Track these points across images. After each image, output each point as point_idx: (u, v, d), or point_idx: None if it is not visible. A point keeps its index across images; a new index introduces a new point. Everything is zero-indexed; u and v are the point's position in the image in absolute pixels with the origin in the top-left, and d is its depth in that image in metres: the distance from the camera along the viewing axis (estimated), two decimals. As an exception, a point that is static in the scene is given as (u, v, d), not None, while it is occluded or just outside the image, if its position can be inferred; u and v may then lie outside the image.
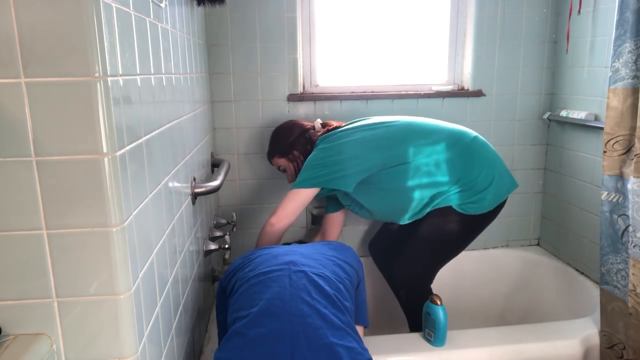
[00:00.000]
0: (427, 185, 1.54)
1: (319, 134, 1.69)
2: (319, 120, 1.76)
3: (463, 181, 1.53)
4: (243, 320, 1.03)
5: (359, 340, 1.05)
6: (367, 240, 2.15)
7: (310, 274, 1.13)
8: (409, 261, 1.65)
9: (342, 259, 1.27)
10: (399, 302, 1.76)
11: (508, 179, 1.62)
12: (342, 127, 1.67)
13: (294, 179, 1.71)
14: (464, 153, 1.56)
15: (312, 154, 1.62)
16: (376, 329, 2.09)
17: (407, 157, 1.54)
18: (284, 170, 1.78)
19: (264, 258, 1.23)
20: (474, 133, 1.63)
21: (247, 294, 1.12)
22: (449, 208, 1.54)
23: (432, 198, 1.55)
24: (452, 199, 1.53)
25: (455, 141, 1.57)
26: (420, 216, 1.58)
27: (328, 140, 1.61)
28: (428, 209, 1.56)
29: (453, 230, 1.58)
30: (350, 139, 1.58)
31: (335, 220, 1.90)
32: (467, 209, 1.54)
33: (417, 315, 1.55)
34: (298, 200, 1.58)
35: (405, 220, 1.61)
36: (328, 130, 1.68)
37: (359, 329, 1.26)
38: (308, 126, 1.74)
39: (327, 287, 1.11)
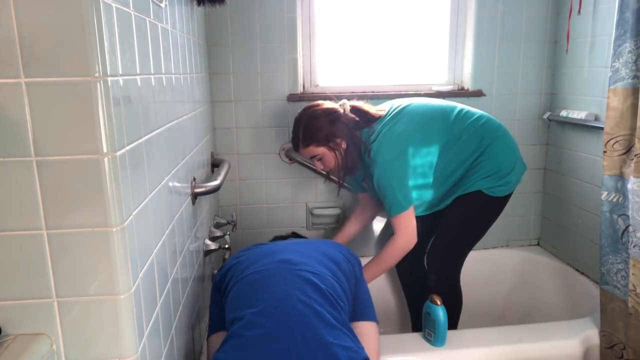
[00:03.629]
0: (444, 180, 1.63)
1: (350, 117, 1.63)
2: (346, 101, 1.67)
3: (489, 166, 1.60)
4: (240, 322, 1.03)
5: (354, 339, 1.04)
6: (368, 241, 2.15)
7: (306, 272, 1.12)
8: (443, 245, 1.68)
9: (338, 256, 1.25)
10: (407, 298, 1.76)
11: (522, 161, 1.71)
12: (384, 120, 1.62)
13: (332, 166, 1.66)
14: (490, 142, 1.61)
15: (379, 167, 1.56)
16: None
17: (437, 150, 1.60)
18: (320, 159, 1.66)
19: (259, 255, 1.22)
20: (497, 121, 1.68)
21: (242, 293, 1.11)
22: (479, 192, 1.60)
23: (448, 192, 1.64)
24: (481, 183, 1.60)
25: (483, 130, 1.62)
26: (436, 209, 1.68)
27: (386, 148, 1.56)
28: (442, 204, 1.65)
29: (482, 213, 1.66)
30: (405, 147, 1.57)
31: (366, 199, 1.86)
32: (495, 191, 1.60)
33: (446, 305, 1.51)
34: (410, 217, 1.58)
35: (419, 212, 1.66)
36: (368, 119, 1.64)
37: (372, 327, 1.22)
38: (340, 111, 1.64)
39: (323, 286, 1.10)
